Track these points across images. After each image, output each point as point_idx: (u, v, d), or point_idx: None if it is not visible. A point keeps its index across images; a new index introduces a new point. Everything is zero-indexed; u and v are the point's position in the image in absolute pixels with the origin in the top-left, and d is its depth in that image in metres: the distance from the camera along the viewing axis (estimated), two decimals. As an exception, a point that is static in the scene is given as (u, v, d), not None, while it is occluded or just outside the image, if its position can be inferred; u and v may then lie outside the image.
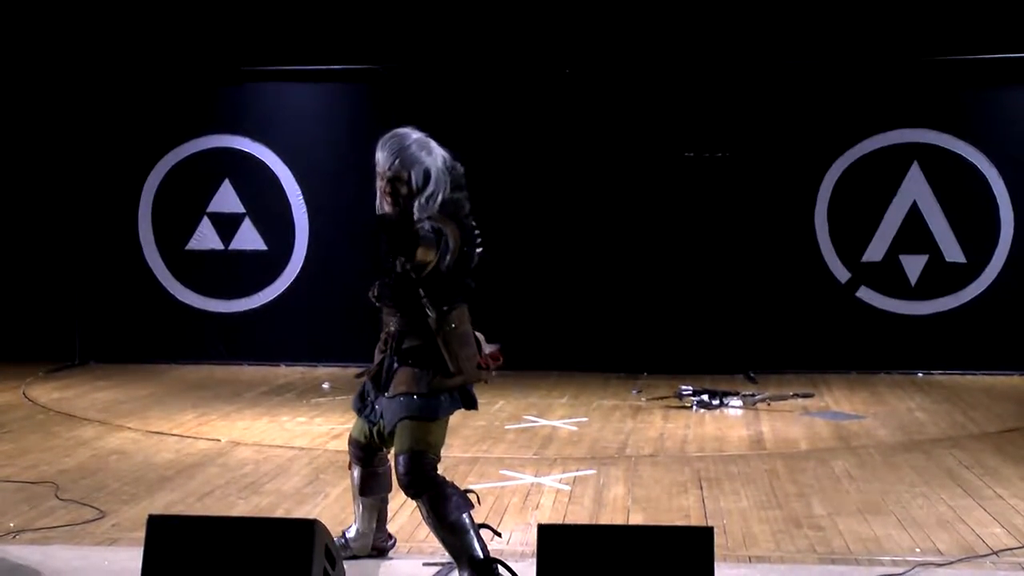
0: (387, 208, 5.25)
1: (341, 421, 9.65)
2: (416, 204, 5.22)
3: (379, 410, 5.54)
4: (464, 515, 5.36)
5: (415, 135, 5.33)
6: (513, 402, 10.66)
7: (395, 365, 5.45)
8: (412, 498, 5.44)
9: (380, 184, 5.28)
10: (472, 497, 5.51)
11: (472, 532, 5.36)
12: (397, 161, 5.20)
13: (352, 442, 5.81)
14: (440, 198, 5.24)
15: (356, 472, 5.82)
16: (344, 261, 12.46)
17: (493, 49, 12.46)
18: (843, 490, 7.42)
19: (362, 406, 5.67)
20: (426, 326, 5.37)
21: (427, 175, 5.24)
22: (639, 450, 8.70)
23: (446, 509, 5.33)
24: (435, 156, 5.30)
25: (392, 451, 5.51)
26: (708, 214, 12.43)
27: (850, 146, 12.38)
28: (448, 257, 5.24)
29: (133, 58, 12.91)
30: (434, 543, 5.75)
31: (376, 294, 5.49)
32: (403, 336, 5.44)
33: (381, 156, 5.28)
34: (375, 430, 5.60)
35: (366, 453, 5.76)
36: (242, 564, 4.71)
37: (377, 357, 5.59)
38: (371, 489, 5.85)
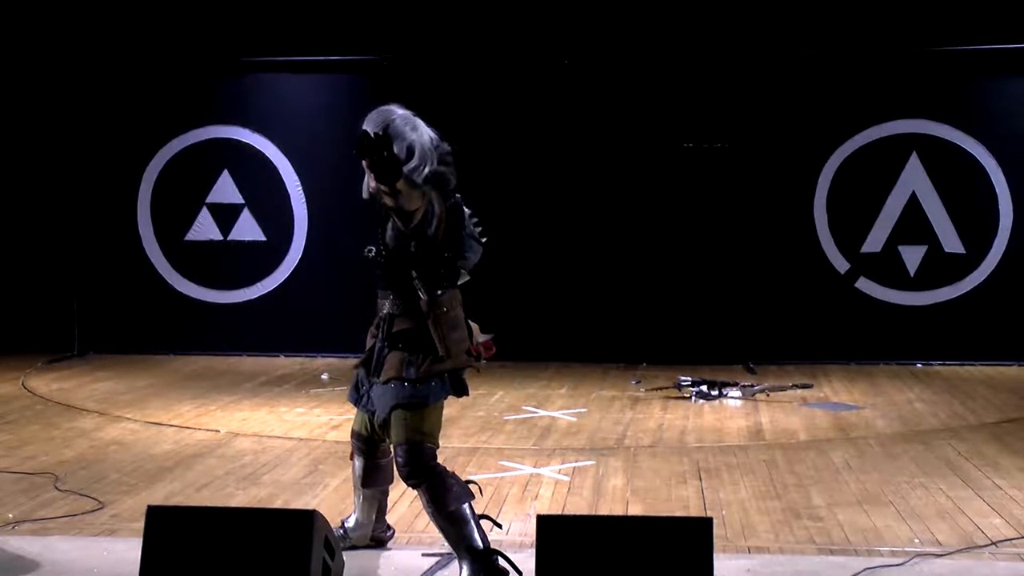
0: (372, 184, 5.24)
1: (340, 412, 9.65)
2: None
3: (372, 398, 5.52)
4: (464, 505, 5.35)
5: (400, 111, 5.29)
6: (512, 393, 10.66)
7: (385, 349, 5.46)
8: (412, 488, 5.43)
9: (366, 161, 5.22)
10: (473, 488, 5.51)
11: (472, 522, 5.35)
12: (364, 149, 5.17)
13: (354, 434, 5.79)
14: (425, 171, 5.21)
15: (358, 463, 5.81)
16: (343, 252, 12.44)
17: (492, 40, 12.45)
18: (842, 481, 7.42)
19: (358, 396, 5.66)
20: (418, 309, 5.37)
21: (411, 149, 5.19)
22: (638, 441, 8.70)
23: (446, 499, 5.32)
24: (420, 132, 5.26)
25: (391, 442, 5.50)
26: (707, 205, 12.42)
27: (849, 137, 12.37)
28: (435, 222, 5.25)
29: (132, 48, 12.89)
30: (433, 533, 5.75)
31: (371, 254, 5.46)
32: (394, 319, 5.45)
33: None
34: (375, 421, 5.60)
35: (368, 445, 5.75)
36: (241, 555, 4.72)
37: (369, 342, 5.59)
38: (373, 481, 5.84)
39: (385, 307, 5.49)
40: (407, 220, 5.23)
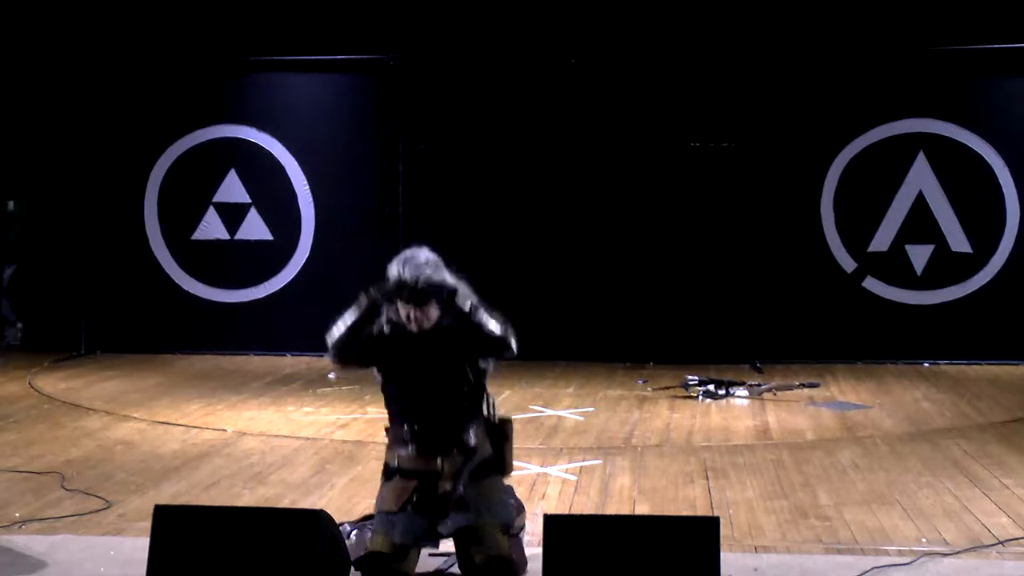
0: (414, 326, 5.19)
1: (347, 411, 9.66)
2: (465, 310, 5.21)
3: (455, 519, 5.15)
4: None
5: (423, 257, 5.21)
6: (519, 392, 10.66)
7: (467, 481, 5.16)
8: None
9: (409, 308, 5.19)
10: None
11: None
12: (421, 291, 5.14)
13: (374, 555, 5.16)
14: (475, 296, 5.21)
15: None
16: (350, 250, 12.47)
17: (499, 39, 12.45)
18: (849, 480, 7.41)
19: (416, 538, 5.19)
20: (491, 431, 5.36)
21: (448, 289, 5.18)
22: (645, 440, 8.70)
23: None
24: (443, 271, 5.21)
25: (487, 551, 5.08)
26: (714, 204, 12.42)
27: (856, 136, 12.37)
28: None
29: (139, 48, 12.92)
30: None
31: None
32: (476, 449, 5.24)
33: (405, 281, 5.18)
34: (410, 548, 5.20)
35: (384, 566, 5.19)
36: (248, 554, 4.73)
37: (404, 486, 5.16)
38: None
39: (464, 439, 5.22)
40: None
